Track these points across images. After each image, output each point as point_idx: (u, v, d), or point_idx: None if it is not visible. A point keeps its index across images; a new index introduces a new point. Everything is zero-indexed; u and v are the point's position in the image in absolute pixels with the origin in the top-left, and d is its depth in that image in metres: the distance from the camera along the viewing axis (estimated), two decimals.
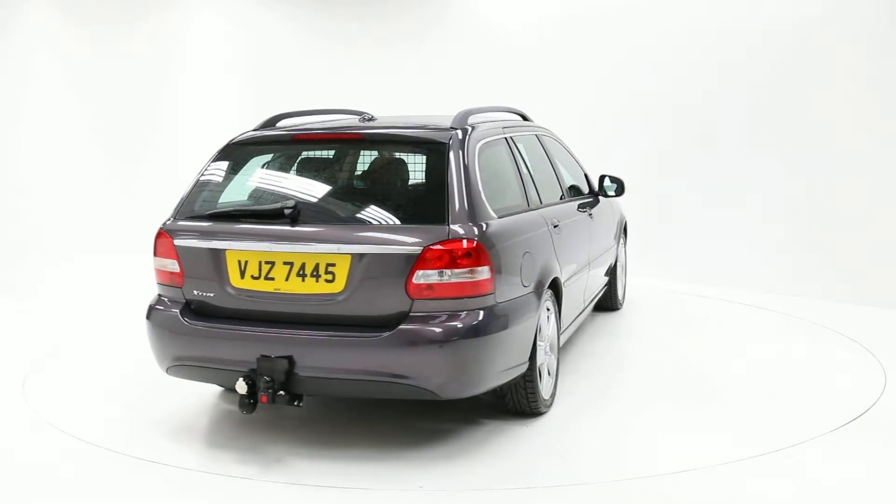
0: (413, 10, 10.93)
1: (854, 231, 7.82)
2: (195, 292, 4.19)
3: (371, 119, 4.81)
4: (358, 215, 4.12)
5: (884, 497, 3.73)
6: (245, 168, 4.49)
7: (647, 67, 9.29)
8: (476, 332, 3.88)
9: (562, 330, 4.98)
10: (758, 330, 6.57)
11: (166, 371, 4.31)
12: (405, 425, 4.50)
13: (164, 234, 4.27)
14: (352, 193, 4.38)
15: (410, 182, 4.40)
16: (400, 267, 3.85)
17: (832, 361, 5.72)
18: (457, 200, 3.96)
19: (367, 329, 3.88)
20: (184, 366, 4.22)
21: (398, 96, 10.06)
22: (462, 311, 3.89)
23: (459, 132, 4.29)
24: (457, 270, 3.84)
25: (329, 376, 3.92)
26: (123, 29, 10.52)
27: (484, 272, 3.91)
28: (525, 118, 5.83)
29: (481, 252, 3.89)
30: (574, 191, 5.99)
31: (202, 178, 4.46)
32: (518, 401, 4.47)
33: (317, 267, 3.92)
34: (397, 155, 4.56)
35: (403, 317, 3.86)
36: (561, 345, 5.04)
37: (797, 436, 4.33)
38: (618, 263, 6.82)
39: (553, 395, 4.80)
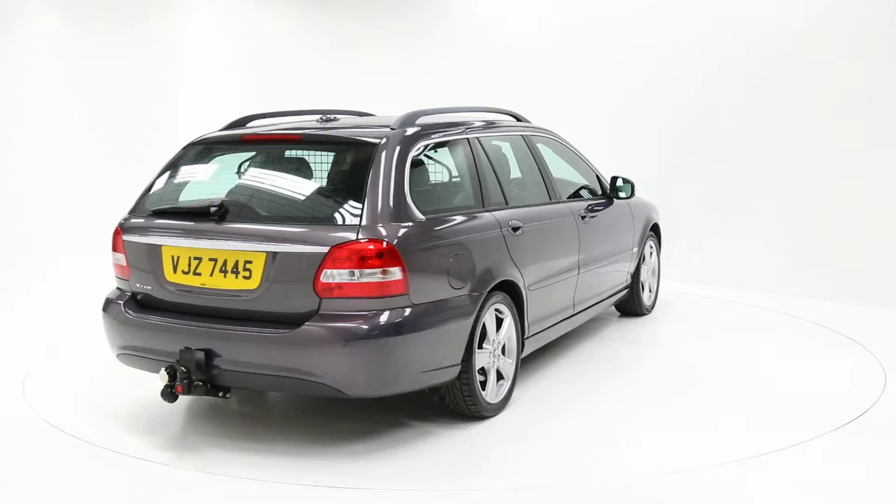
0: (413, 10, 10.94)
1: (854, 231, 7.82)
2: (138, 285, 4.42)
3: (330, 120, 4.85)
4: (278, 215, 4.22)
5: (884, 497, 3.73)
6: (197, 167, 4.66)
7: (648, 67, 9.30)
8: (383, 332, 3.90)
9: (528, 334, 4.93)
10: (757, 330, 6.57)
11: (117, 358, 4.54)
12: (354, 419, 4.57)
13: (118, 230, 4.53)
14: (278, 193, 4.41)
15: (334, 183, 4.43)
16: (308, 266, 3.92)
17: (832, 361, 5.72)
18: (373, 201, 4.02)
19: (279, 326, 3.96)
20: (126, 354, 4.45)
21: (398, 96, 10.06)
22: (371, 311, 3.91)
23: (394, 134, 4.33)
24: (367, 271, 3.88)
25: (243, 370, 4.03)
26: (123, 29, 10.52)
27: (396, 273, 3.93)
28: (518, 119, 5.79)
29: (393, 253, 3.92)
30: (581, 192, 5.97)
31: (159, 176, 4.65)
32: (456, 403, 4.46)
33: (236, 264, 4.06)
34: (326, 155, 4.58)
35: (312, 315, 3.94)
36: (532, 348, 5.05)
37: (797, 436, 4.33)
38: (643, 267, 6.69)
39: (506, 399, 4.73)
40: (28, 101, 10.17)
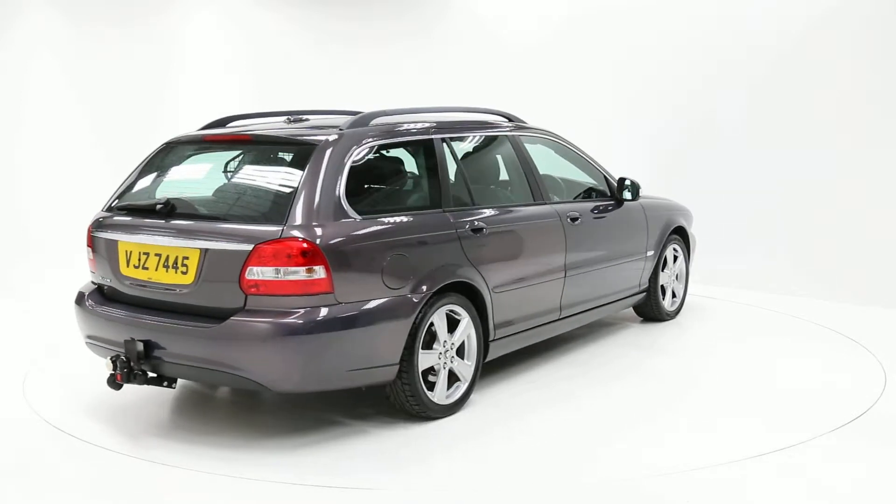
0: (413, 10, 10.93)
1: (854, 231, 7.82)
2: (101, 277, 4.69)
3: (296, 120, 4.93)
4: (216, 213, 4.39)
5: (884, 497, 3.73)
6: (163, 167, 4.82)
7: (648, 67, 9.30)
8: (303, 330, 3.98)
9: (494, 337, 4.90)
10: (757, 330, 6.57)
11: (85, 345, 4.77)
12: (297, 415, 4.69)
13: (90, 226, 4.77)
14: (220, 192, 4.57)
15: (272, 182, 4.46)
16: (235, 263, 4.05)
17: (832, 361, 5.72)
18: (302, 201, 4.11)
19: (210, 320, 4.11)
20: (89, 343, 4.69)
21: (398, 96, 10.05)
22: (294, 308, 4.01)
23: (337, 134, 4.40)
24: (290, 269, 3.99)
25: (178, 362, 4.21)
26: (123, 29, 10.51)
27: (320, 272, 4.01)
28: (511, 119, 5.75)
29: (316, 253, 4.00)
30: (586, 195, 5.94)
31: (130, 175, 4.89)
32: (401, 403, 4.49)
33: (176, 260, 4.25)
34: (273, 156, 4.63)
35: (238, 311, 4.06)
36: (504, 351, 5.05)
37: (797, 436, 4.33)
38: (662, 271, 6.57)
39: (462, 402, 4.72)
40: (28, 101, 10.15)
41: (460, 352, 4.72)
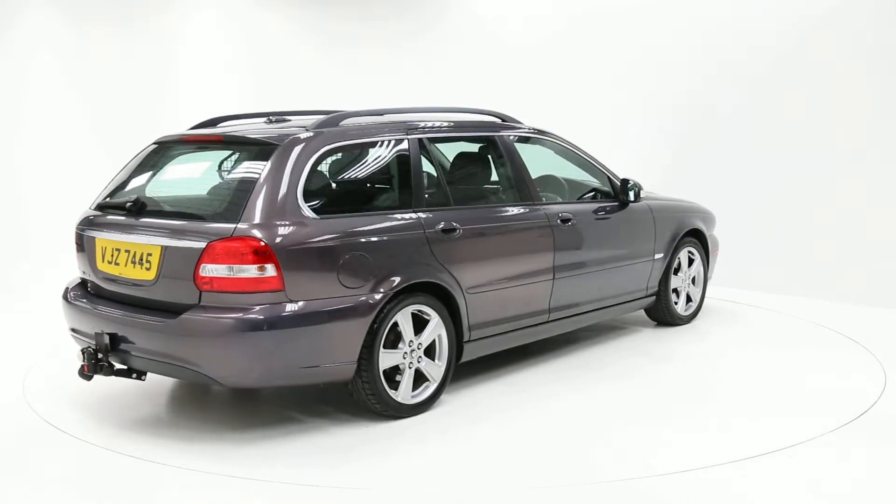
0: (413, 10, 10.93)
1: (854, 231, 7.82)
2: (83, 272, 4.86)
3: (279, 121, 4.99)
4: (178, 211, 4.53)
5: (884, 497, 3.73)
6: (145, 166, 4.91)
7: (648, 66, 9.30)
8: (252, 326, 4.06)
9: (469, 338, 4.91)
10: (757, 330, 6.57)
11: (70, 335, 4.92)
12: (265, 411, 4.74)
13: (78, 223, 4.91)
14: (186, 191, 4.76)
15: (234, 182, 4.53)
16: (190, 260, 4.16)
17: (832, 361, 5.72)
18: (256, 200, 4.20)
19: (167, 315, 4.22)
20: (73, 335, 4.85)
21: (398, 96, 10.06)
22: (245, 305, 4.09)
23: (301, 135, 4.47)
24: (241, 267, 4.08)
25: (140, 355, 4.34)
26: (123, 29, 10.51)
27: (270, 270, 4.09)
28: (504, 120, 5.70)
29: (266, 251, 4.08)
30: (588, 196, 5.90)
31: (118, 174, 5.00)
32: (364, 401, 4.53)
33: (142, 256, 4.39)
34: (240, 156, 4.68)
35: (193, 306, 4.17)
36: (481, 353, 5.06)
37: (797, 436, 4.33)
38: (679, 274, 6.46)
39: (430, 401, 4.72)
40: (28, 101, 10.16)
41: (431, 352, 4.74)
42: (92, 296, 4.74)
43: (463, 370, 5.26)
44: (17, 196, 9.88)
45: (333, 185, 4.69)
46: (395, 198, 4.83)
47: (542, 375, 5.39)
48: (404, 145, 4.87)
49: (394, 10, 10.93)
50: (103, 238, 4.62)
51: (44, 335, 6.43)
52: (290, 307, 4.14)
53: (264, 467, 4.01)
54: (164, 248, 4.28)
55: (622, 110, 9.45)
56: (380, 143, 4.86)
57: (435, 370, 4.74)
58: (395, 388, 4.56)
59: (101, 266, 4.64)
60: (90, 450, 4.27)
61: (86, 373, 4.47)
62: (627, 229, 6.03)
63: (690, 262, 6.63)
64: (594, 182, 6.02)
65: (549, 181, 5.99)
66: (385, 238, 4.53)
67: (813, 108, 8.16)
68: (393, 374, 4.58)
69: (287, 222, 4.20)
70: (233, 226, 4.14)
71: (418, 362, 4.66)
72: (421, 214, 4.74)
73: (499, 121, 5.72)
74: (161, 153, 4.93)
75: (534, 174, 6.05)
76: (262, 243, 4.08)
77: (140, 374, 4.48)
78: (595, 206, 5.86)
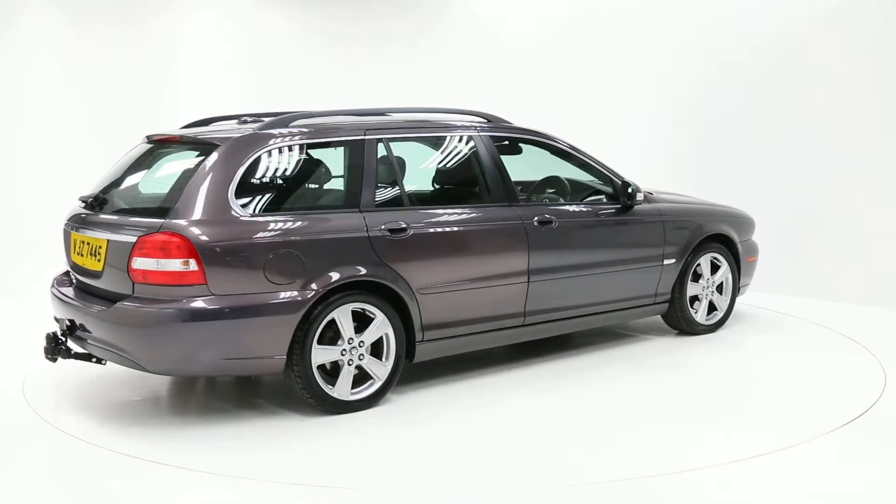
0: (413, 10, 10.94)
1: (854, 231, 7.82)
2: (66, 263, 5.11)
3: (255, 122, 5.04)
4: (125, 207, 4.83)
5: (884, 497, 3.73)
6: (124, 164, 5.10)
7: (648, 67, 9.30)
8: (172, 317, 4.29)
9: (422, 339, 4.91)
10: (757, 329, 6.57)
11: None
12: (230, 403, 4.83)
13: (66, 218, 5.13)
14: (139, 188, 4.94)
15: (173, 180, 4.69)
16: (125, 253, 4.41)
17: (832, 361, 5.72)
18: (186, 198, 4.43)
19: (106, 304, 4.50)
20: (54, 320, 5.01)
21: (398, 96, 10.06)
22: (170, 297, 4.31)
23: (241, 135, 4.67)
24: (167, 261, 4.30)
25: (91, 341, 4.61)
26: (123, 29, 10.52)
27: (192, 264, 4.30)
28: (489, 120, 5.61)
29: (188, 247, 4.29)
30: (591, 197, 5.81)
31: (105, 172, 5.22)
32: (299, 395, 4.64)
33: (96, 248, 4.64)
34: (192, 155, 4.81)
35: (128, 297, 4.43)
36: (440, 354, 5.07)
37: (797, 436, 4.33)
38: (699, 282, 6.20)
39: (373, 399, 4.75)
40: (28, 101, 10.17)
41: (382, 350, 4.78)
42: (68, 285, 5.01)
43: (438, 371, 5.31)
44: (17, 196, 9.89)
45: (275, 184, 4.78)
46: (339, 197, 4.89)
47: (512, 379, 5.31)
48: (358, 146, 4.93)
49: (394, 10, 10.93)
50: (74, 232, 4.91)
51: (44, 335, 6.42)
52: (211, 301, 4.32)
53: (184, 451, 4.19)
54: (109, 242, 4.54)
55: (622, 110, 9.44)
56: (330, 143, 4.96)
57: (379, 369, 4.77)
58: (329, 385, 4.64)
59: (73, 258, 4.92)
60: (90, 450, 4.27)
61: (47, 355, 4.74)
62: (629, 232, 5.86)
63: (716, 268, 6.36)
64: (598, 184, 5.89)
65: (550, 182, 5.95)
66: (320, 237, 4.61)
67: (813, 109, 8.15)
68: (336, 370, 4.67)
69: (213, 219, 4.39)
70: (161, 221, 4.37)
71: (360, 360, 4.69)
72: (366, 214, 4.79)
73: (484, 121, 5.60)
74: (141, 152, 5.11)
75: (537, 176, 6.04)
76: (184, 238, 4.29)
77: (99, 360, 4.70)
78: (589, 208, 5.73)
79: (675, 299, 6.13)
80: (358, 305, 4.67)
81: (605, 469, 4.01)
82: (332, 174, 5.00)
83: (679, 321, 6.23)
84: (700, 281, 6.26)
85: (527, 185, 6.08)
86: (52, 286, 5.10)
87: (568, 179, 5.95)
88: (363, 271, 4.67)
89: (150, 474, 3.98)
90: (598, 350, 5.97)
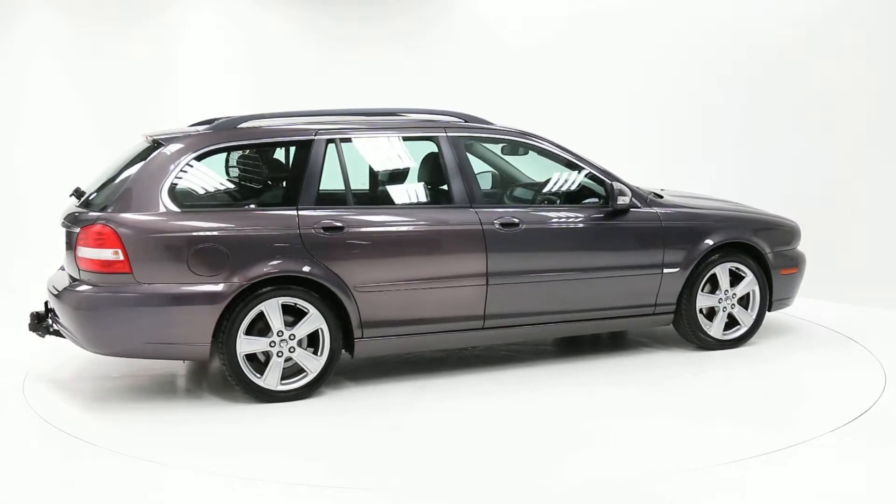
0: (413, 10, 10.93)
1: (854, 231, 7.81)
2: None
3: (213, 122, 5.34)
4: (92, 201, 5.06)
5: (884, 497, 3.73)
6: (121, 161, 5.28)
7: (648, 67, 9.29)
8: (96, 303, 4.72)
9: (361, 336, 5.03)
10: (757, 330, 6.56)
11: None
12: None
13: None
14: (106, 184, 5.13)
15: (125, 176, 4.99)
16: (75, 242, 4.84)
17: (832, 361, 5.72)
18: (122, 192, 4.84)
19: (62, 289, 4.89)
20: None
21: (398, 96, 10.05)
22: (101, 284, 4.73)
23: (184, 136, 5.05)
24: (99, 250, 4.71)
25: (57, 323, 5.08)
26: (123, 29, 10.50)
27: (119, 254, 4.69)
28: (466, 120, 5.56)
29: (115, 237, 4.69)
30: (581, 200, 5.64)
31: (102, 168, 5.44)
32: (230, 381, 4.91)
33: (71, 238, 4.97)
34: (143, 154, 5.08)
35: (77, 283, 4.85)
36: (388, 352, 5.29)
37: (797, 436, 4.33)
38: (711, 293, 5.81)
39: (304, 392, 4.90)
40: (28, 101, 10.15)
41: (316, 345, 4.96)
42: (59, 272, 5.33)
43: (437, 370, 5.37)
44: (17, 196, 9.89)
45: (210, 183, 5.06)
46: (276, 196, 5.15)
47: (465, 379, 5.32)
48: (305, 146, 5.11)
49: (394, 10, 10.92)
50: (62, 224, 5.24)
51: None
52: (135, 288, 4.70)
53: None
54: (72, 233, 4.92)
55: (622, 110, 9.44)
56: (274, 144, 5.31)
57: (311, 362, 4.94)
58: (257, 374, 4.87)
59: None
60: (90, 450, 4.27)
61: (28, 331, 5.25)
62: (615, 237, 5.58)
63: (740, 279, 5.91)
64: (591, 186, 5.68)
65: (535, 184, 5.83)
66: (247, 232, 4.85)
67: (814, 108, 8.15)
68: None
69: (141, 213, 4.76)
70: (98, 214, 4.79)
71: (290, 352, 4.87)
72: (302, 212, 4.97)
73: (461, 121, 5.56)
74: (135, 149, 5.28)
75: (537, 177, 6.00)
76: (110, 230, 4.70)
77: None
78: (568, 211, 5.56)
79: (681, 311, 5.78)
80: (289, 300, 4.87)
81: (604, 469, 4.01)
82: (276, 174, 5.32)
83: (689, 334, 5.84)
84: (717, 293, 5.86)
85: (506, 187, 5.90)
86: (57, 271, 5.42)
87: (556, 181, 5.73)
88: (290, 267, 4.86)
89: (151, 474, 3.97)
90: (604, 355, 5.96)
